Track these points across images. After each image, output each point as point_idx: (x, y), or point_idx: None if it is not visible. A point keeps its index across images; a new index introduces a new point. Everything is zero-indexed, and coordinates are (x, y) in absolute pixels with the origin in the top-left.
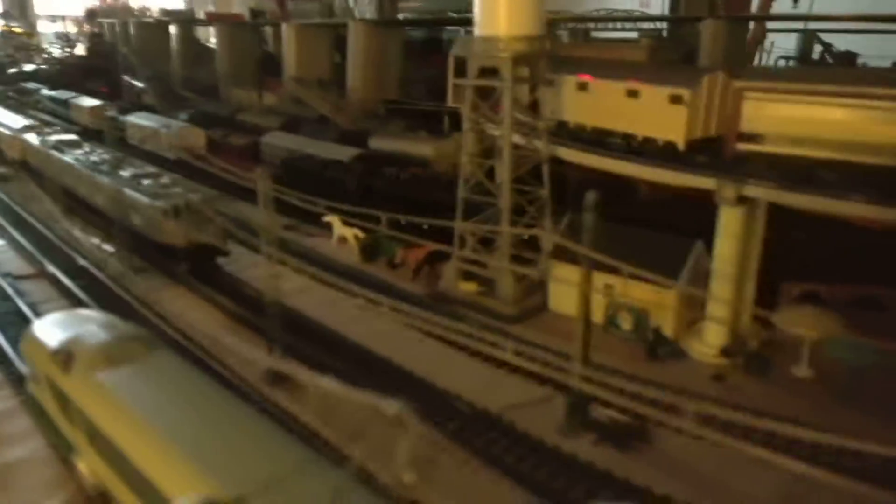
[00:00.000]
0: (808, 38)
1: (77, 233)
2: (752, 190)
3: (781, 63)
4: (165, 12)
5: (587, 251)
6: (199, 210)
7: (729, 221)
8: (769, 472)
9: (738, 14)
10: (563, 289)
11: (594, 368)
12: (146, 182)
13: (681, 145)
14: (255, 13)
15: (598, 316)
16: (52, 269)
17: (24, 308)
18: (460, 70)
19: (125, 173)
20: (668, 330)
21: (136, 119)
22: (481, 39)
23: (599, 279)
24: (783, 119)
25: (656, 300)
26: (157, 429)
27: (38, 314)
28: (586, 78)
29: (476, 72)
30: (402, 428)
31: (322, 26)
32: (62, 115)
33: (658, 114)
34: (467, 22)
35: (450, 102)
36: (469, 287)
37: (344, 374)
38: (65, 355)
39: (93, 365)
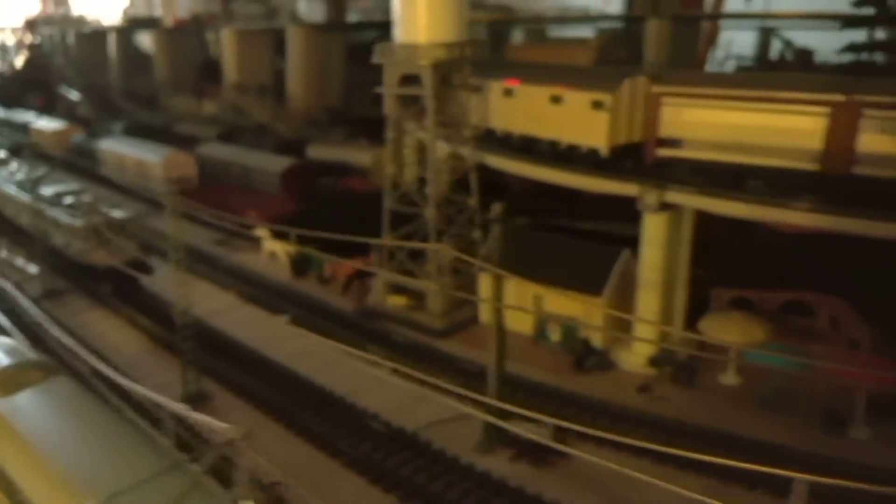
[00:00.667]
0: (766, 36)
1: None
2: (674, 196)
3: (731, 63)
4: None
5: (488, 265)
6: (121, 228)
7: (652, 228)
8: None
9: (692, 12)
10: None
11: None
12: (68, 199)
13: (604, 151)
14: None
15: (528, 328)
16: None
17: None
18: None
19: (48, 190)
20: (597, 341)
21: (113, 146)
22: (401, 46)
23: (529, 290)
24: (701, 124)
25: (584, 311)
26: (44, 452)
27: None
28: (512, 83)
29: (397, 80)
30: None
31: (263, 30)
32: (20, 141)
33: (581, 119)
34: None
35: (385, 110)
36: (398, 301)
37: (261, 394)
38: None
39: None
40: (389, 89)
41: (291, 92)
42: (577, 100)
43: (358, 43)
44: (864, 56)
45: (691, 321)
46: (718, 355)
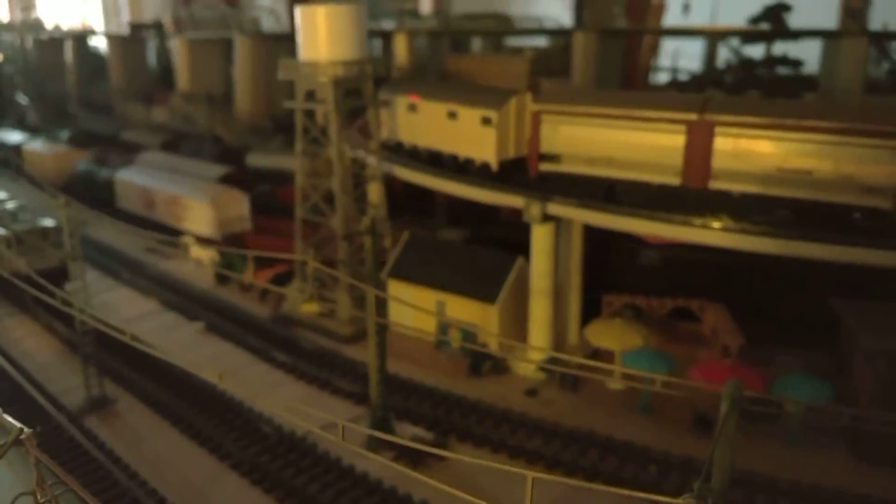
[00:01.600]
0: (712, 45)
1: None
2: (555, 208)
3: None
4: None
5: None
6: (45, 236)
7: (539, 239)
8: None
9: (636, 22)
10: (400, 307)
11: (406, 388)
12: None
13: (493, 166)
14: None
15: (431, 328)
16: None
17: None
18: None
19: None
20: (493, 347)
21: (137, 178)
22: (304, 63)
23: (432, 296)
24: (575, 140)
25: (481, 317)
26: None
27: None
28: (414, 99)
29: (303, 95)
30: None
31: (214, 40)
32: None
33: (473, 134)
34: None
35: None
36: (311, 308)
37: (163, 400)
38: None
39: None
40: (297, 104)
41: (239, 100)
42: (469, 116)
43: None
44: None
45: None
46: (605, 362)
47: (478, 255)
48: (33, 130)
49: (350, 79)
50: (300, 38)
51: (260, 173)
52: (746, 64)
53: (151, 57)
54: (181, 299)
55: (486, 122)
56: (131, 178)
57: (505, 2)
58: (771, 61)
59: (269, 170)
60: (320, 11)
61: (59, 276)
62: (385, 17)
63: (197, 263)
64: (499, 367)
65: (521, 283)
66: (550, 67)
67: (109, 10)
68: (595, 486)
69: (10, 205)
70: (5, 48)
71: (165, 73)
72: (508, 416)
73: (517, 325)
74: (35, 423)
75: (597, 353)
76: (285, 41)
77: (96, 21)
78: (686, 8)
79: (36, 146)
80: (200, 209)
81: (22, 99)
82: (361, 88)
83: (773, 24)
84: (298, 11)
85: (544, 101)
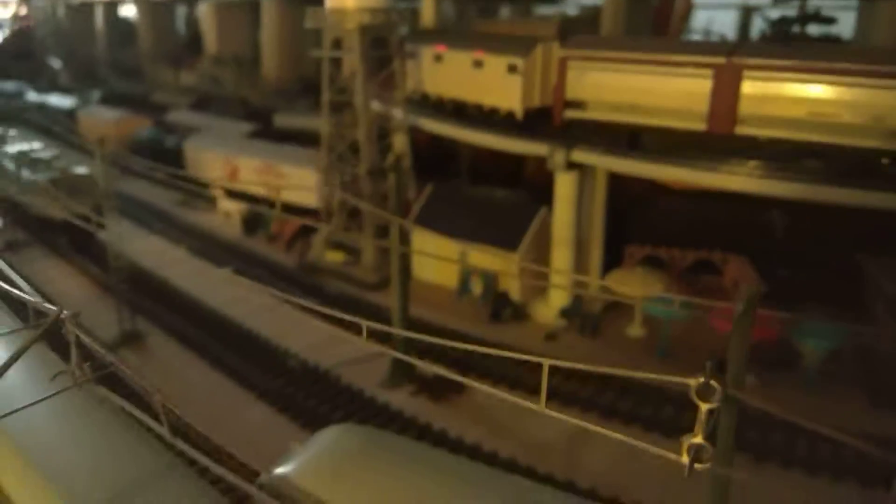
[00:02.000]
0: (746, 14)
1: None
2: (580, 156)
3: None
4: None
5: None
6: (78, 183)
7: (562, 187)
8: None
9: None
10: (423, 257)
11: (429, 330)
12: (33, 157)
13: (518, 114)
14: None
15: (454, 281)
16: None
17: None
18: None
19: (11, 149)
20: (514, 294)
21: (216, 146)
22: (331, 11)
23: (455, 246)
24: (601, 86)
25: (503, 265)
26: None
27: None
28: (440, 49)
29: (330, 43)
30: None
31: (241, 3)
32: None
33: (499, 83)
34: None
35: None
36: (336, 257)
37: (191, 336)
38: None
39: None
40: (324, 53)
41: (265, 63)
42: (495, 64)
43: None
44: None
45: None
46: (625, 308)
47: (501, 205)
48: (65, 91)
49: (377, 27)
50: None
51: (286, 133)
52: (779, 22)
53: (180, 23)
54: (210, 248)
55: (511, 69)
56: (206, 146)
57: None
58: (804, 18)
59: (296, 130)
60: None
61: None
62: None
63: (225, 216)
64: (519, 313)
65: (543, 232)
66: (577, 31)
67: None
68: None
69: (45, 153)
70: (38, 13)
71: (193, 39)
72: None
73: (541, 275)
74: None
75: (615, 305)
76: (311, 4)
77: None
78: None
79: (93, 112)
80: (303, 178)
81: (54, 62)
82: (388, 38)
83: None
84: None
85: (572, 46)
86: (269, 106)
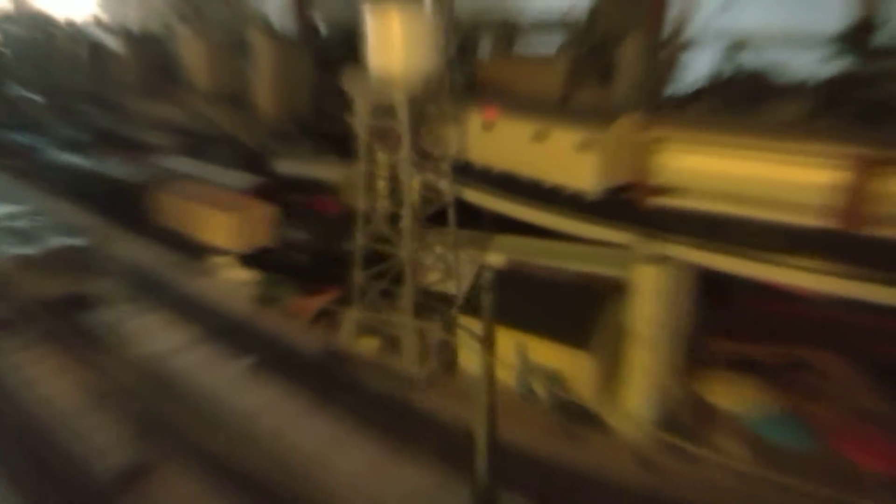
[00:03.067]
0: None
1: None
2: (672, 249)
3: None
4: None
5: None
6: (69, 256)
7: (645, 280)
8: None
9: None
10: (471, 348)
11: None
12: (19, 223)
13: (592, 193)
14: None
15: (508, 377)
16: None
17: None
18: None
19: None
20: (584, 396)
21: None
22: (374, 77)
23: (509, 337)
24: (699, 172)
25: (570, 363)
26: None
27: None
28: (491, 116)
29: (369, 110)
30: None
31: (231, 39)
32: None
33: (567, 159)
34: None
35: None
36: (369, 344)
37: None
38: None
39: None
40: (361, 120)
41: (259, 102)
42: (562, 138)
43: (325, 48)
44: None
45: (685, 376)
46: (718, 420)
47: (563, 289)
48: (37, 127)
49: (427, 94)
50: (368, 43)
51: (289, 181)
52: (755, 76)
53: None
54: (219, 327)
55: (585, 146)
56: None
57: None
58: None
59: (300, 178)
60: (395, 14)
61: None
62: None
63: (230, 285)
64: (596, 424)
65: (612, 323)
66: (585, 74)
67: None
68: None
69: (35, 221)
70: (11, 41)
71: (171, 69)
72: (625, 491)
73: (608, 371)
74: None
75: (702, 407)
76: (304, 41)
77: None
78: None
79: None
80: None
81: (31, 95)
82: (435, 103)
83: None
84: (367, 11)
85: (662, 126)
86: (267, 149)
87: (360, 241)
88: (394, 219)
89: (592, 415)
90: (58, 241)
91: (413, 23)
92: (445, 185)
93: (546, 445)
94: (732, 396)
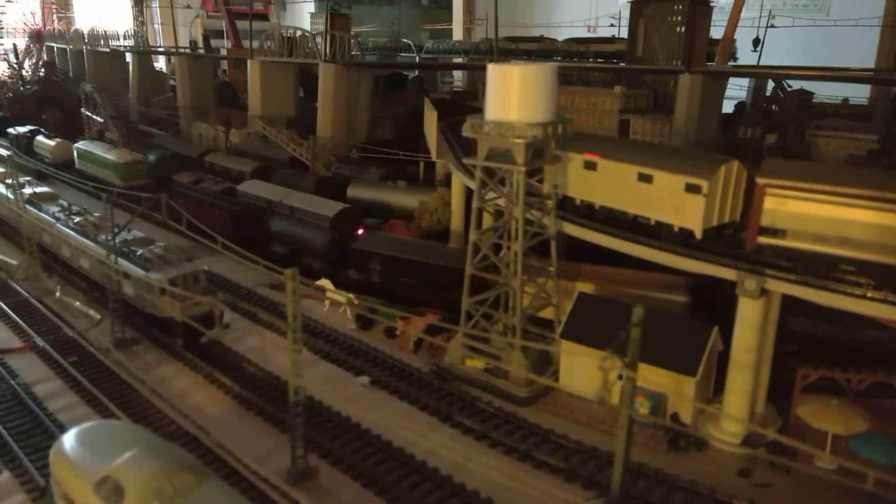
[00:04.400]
0: (761, 80)
1: (62, 295)
2: (776, 285)
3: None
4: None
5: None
6: (195, 281)
7: (749, 313)
8: None
9: (721, 67)
10: (575, 368)
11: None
12: (139, 251)
13: (698, 234)
14: (207, 38)
15: (613, 398)
16: (40, 342)
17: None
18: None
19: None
20: (685, 417)
21: None
22: (494, 123)
23: (614, 360)
24: (804, 216)
25: (674, 386)
26: None
27: (31, 394)
28: (594, 157)
29: (486, 152)
30: None
31: (287, 63)
32: None
33: (673, 200)
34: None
35: (434, 157)
36: (476, 363)
37: (364, 470)
38: (111, 488)
39: (144, 500)
40: (479, 162)
41: (321, 126)
42: (668, 181)
43: (376, 77)
44: None
45: (772, 398)
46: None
47: (663, 318)
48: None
49: (540, 140)
50: (489, 95)
51: (364, 207)
52: (801, 95)
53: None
54: (328, 346)
55: (692, 189)
56: None
57: (528, 26)
58: None
59: (372, 203)
60: (516, 72)
61: (209, 322)
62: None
63: (331, 306)
64: (698, 442)
65: (712, 353)
66: (639, 104)
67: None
68: None
69: (159, 248)
70: (60, 58)
71: (223, 89)
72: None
73: (704, 396)
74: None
75: (786, 428)
76: (365, 70)
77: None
78: (756, 43)
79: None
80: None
81: (100, 116)
82: (544, 148)
83: None
84: (491, 70)
85: (769, 175)
86: (334, 174)
87: (468, 270)
88: (497, 248)
89: (695, 434)
90: (186, 266)
91: (531, 79)
92: (550, 221)
93: (650, 458)
94: (826, 417)
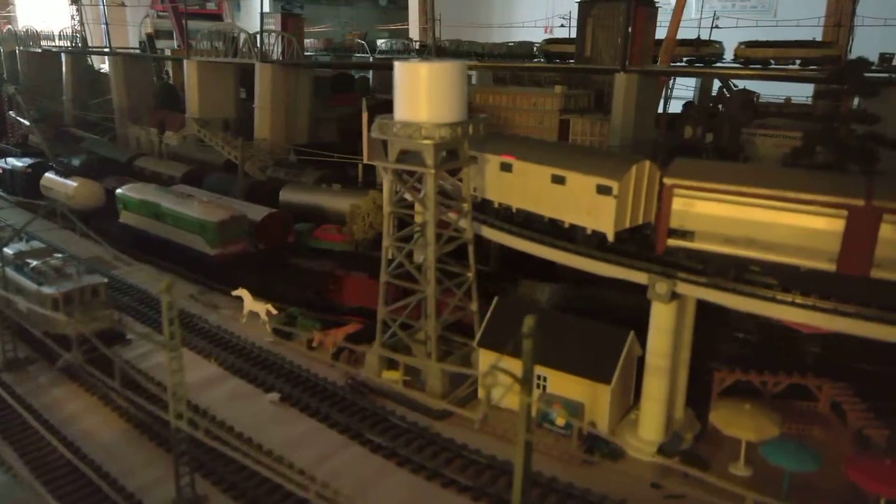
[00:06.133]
0: (707, 80)
1: None
2: (686, 288)
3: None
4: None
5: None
6: (94, 294)
7: (661, 317)
8: None
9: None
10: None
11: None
12: (33, 263)
13: (610, 236)
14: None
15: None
16: None
17: None
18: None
19: (8, 250)
20: (602, 426)
21: None
22: (402, 124)
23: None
24: (713, 218)
25: (590, 394)
26: None
27: None
28: (510, 158)
29: (396, 155)
30: None
31: (227, 63)
32: None
33: (585, 202)
34: (382, 66)
35: (365, 160)
36: (393, 376)
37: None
38: None
39: None
40: (389, 165)
41: (259, 129)
42: (581, 182)
43: (321, 76)
44: None
45: (690, 402)
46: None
47: (577, 324)
48: (40, 154)
49: (450, 141)
50: (397, 95)
51: (296, 211)
52: (743, 94)
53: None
54: (241, 360)
55: (603, 190)
56: None
57: (484, 27)
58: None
59: (305, 207)
60: (423, 70)
61: (113, 338)
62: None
63: (251, 316)
64: (614, 452)
65: (629, 359)
66: (579, 103)
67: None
68: None
69: (57, 259)
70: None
71: (165, 91)
72: None
73: (623, 403)
74: None
75: (704, 433)
76: (305, 71)
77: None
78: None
79: None
80: None
81: (25, 119)
82: (457, 149)
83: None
84: (397, 68)
85: (677, 175)
86: (269, 179)
87: (383, 278)
88: (411, 255)
89: (611, 444)
90: (84, 279)
91: (440, 77)
92: (466, 224)
93: (564, 470)
94: (738, 423)
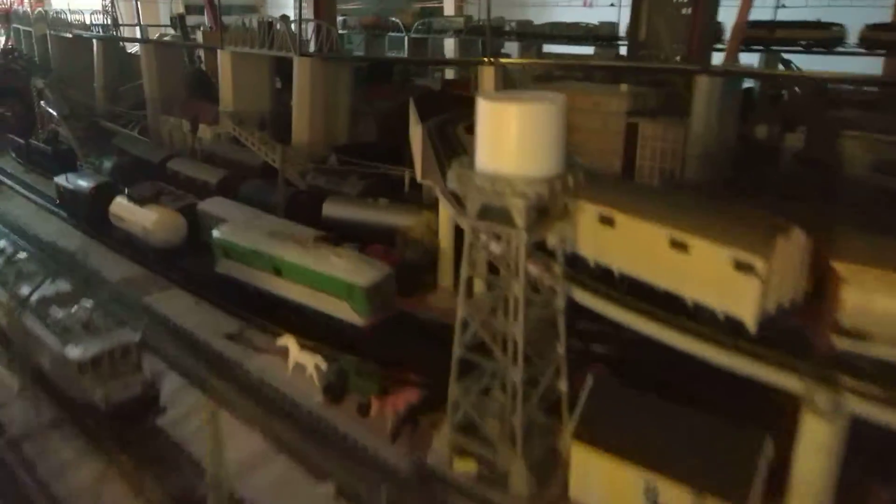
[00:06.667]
0: (771, 59)
1: None
2: (858, 404)
3: None
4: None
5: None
6: (125, 355)
7: (815, 433)
8: None
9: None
10: (588, 477)
11: None
12: (59, 313)
13: (751, 326)
14: (182, 18)
15: None
16: None
17: None
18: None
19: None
20: None
21: None
22: (487, 177)
23: (636, 474)
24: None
25: None
26: None
27: None
28: (611, 211)
29: (476, 210)
30: None
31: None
32: None
33: (717, 278)
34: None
35: (419, 178)
36: (466, 466)
37: None
38: None
39: None
40: (469, 220)
41: (297, 130)
42: (710, 253)
43: (358, 68)
44: None
45: None
46: None
47: (697, 419)
48: (69, 155)
49: (545, 198)
50: (480, 136)
51: (335, 226)
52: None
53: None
54: (288, 430)
55: (742, 267)
56: None
57: (521, 9)
58: None
59: (347, 222)
60: (513, 112)
61: (143, 406)
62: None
63: (296, 368)
64: None
65: (763, 468)
66: (647, 104)
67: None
68: None
69: (84, 308)
70: (24, 44)
71: (197, 78)
72: None
73: None
74: None
75: None
76: (345, 64)
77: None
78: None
79: None
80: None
81: (54, 110)
82: (549, 207)
83: None
84: (480, 105)
85: (849, 257)
86: (310, 186)
87: (457, 353)
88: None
89: None
90: (114, 337)
91: (534, 121)
92: (557, 285)
93: None
94: None
